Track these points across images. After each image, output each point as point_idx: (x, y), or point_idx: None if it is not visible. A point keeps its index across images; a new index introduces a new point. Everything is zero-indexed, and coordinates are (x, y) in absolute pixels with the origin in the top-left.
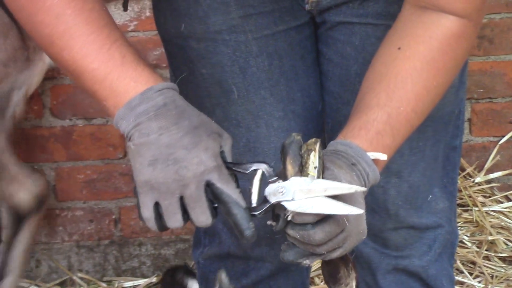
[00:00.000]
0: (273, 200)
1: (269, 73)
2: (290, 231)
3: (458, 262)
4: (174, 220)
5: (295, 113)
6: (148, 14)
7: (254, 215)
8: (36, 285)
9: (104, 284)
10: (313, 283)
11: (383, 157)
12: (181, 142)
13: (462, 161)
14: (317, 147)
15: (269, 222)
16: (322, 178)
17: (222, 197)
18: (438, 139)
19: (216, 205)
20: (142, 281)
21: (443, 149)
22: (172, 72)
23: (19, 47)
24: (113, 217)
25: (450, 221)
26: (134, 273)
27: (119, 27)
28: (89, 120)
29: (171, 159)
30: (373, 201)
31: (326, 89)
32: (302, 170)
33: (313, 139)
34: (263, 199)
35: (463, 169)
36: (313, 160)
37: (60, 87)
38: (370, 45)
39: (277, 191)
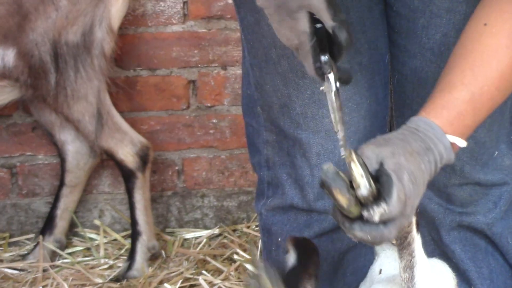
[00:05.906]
0: None
1: None
2: (359, 233)
3: None
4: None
5: (362, 65)
6: None
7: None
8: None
9: (166, 236)
10: None
11: (463, 144)
12: (275, 17)
13: None
14: (353, 156)
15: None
16: (377, 176)
17: None
18: None
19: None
20: (204, 233)
21: (510, 104)
22: (240, 21)
23: None
24: (176, 168)
25: None
26: (197, 224)
27: None
28: (153, 71)
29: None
30: None
31: (393, 42)
32: (352, 187)
33: (347, 151)
34: None
35: None
36: (356, 170)
37: (125, 37)
38: None
39: None
